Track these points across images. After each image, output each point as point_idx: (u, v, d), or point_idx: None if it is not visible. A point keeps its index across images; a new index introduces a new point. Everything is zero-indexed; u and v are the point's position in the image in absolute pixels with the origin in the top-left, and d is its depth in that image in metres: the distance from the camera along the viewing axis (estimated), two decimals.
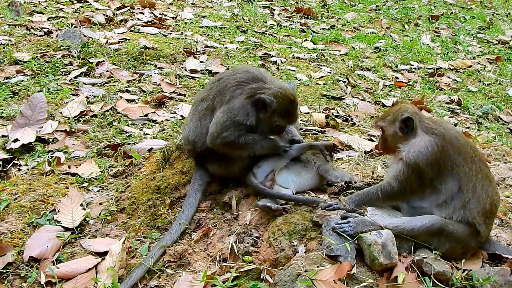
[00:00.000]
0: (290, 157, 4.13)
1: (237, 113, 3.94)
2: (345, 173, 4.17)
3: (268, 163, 4.03)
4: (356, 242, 3.38)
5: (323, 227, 3.50)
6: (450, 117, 7.41)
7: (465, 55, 10.71)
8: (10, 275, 3.73)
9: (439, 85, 8.73)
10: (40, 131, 5.51)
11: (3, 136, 5.40)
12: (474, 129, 7.08)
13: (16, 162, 5.01)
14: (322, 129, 5.96)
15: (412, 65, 9.50)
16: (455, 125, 7.08)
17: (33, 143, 5.29)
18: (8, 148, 5.18)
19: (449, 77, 9.17)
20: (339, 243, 3.34)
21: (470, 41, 11.90)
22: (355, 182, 4.15)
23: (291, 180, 4.02)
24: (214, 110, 4.09)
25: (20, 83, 6.47)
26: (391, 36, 11.37)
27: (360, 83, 8.03)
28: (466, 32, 12.66)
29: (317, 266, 3.27)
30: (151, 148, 5.27)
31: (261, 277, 3.42)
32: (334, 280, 3.17)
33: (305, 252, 3.48)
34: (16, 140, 5.26)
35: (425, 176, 3.51)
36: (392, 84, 8.34)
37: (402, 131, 3.63)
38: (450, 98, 8.09)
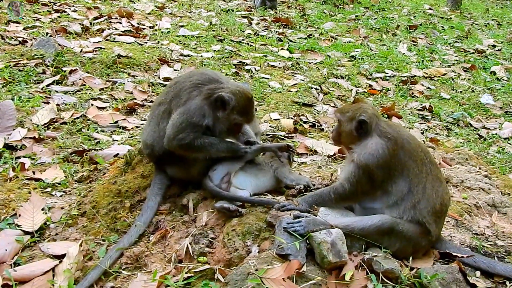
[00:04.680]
0: (245, 160, 4.16)
1: (193, 114, 3.97)
2: (302, 177, 4.21)
3: (223, 166, 4.05)
4: (307, 241, 3.43)
5: (276, 227, 3.55)
6: (421, 123, 7.52)
7: (440, 64, 10.85)
8: None
9: (412, 93, 8.86)
10: (8, 138, 5.53)
11: None
12: (443, 135, 7.18)
13: None
14: (290, 135, 6.02)
15: (387, 73, 9.63)
16: (425, 131, 7.18)
17: (0, 150, 5.31)
18: None
19: (422, 85, 9.30)
20: (290, 242, 3.39)
21: (447, 50, 12.06)
22: (314, 185, 4.19)
23: (248, 182, 4.05)
24: (171, 113, 4.11)
25: None
26: (368, 45, 11.51)
27: (332, 91, 8.12)
28: (444, 42, 12.83)
29: (268, 265, 3.30)
30: (117, 154, 5.30)
31: (215, 277, 3.45)
32: (283, 278, 3.21)
33: (258, 252, 3.52)
34: None
35: (376, 178, 3.57)
36: (365, 92, 8.44)
37: (357, 131, 3.70)
38: (421, 105, 8.19)
